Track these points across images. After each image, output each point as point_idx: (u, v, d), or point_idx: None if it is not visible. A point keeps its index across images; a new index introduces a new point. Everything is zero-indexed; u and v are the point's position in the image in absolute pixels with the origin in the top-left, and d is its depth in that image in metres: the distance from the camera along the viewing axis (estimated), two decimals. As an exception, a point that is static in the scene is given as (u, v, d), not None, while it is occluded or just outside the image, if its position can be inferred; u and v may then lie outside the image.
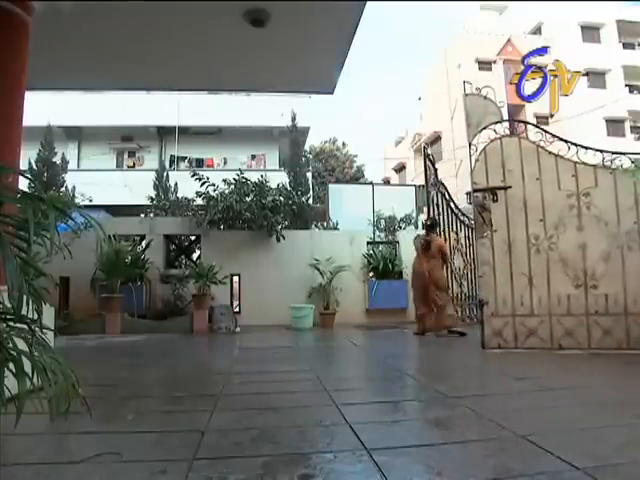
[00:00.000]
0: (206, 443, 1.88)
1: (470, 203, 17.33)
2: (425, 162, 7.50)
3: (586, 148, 4.23)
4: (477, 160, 4.46)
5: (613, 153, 4.23)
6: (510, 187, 4.32)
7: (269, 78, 5.84)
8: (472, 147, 4.50)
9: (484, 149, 4.45)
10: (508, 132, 4.51)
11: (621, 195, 4.11)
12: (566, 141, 4.25)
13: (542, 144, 4.32)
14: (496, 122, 4.48)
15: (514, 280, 4.24)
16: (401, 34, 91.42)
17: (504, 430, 2.00)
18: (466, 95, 4.64)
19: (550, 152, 4.32)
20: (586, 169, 4.23)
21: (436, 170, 7.61)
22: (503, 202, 4.34)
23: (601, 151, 4.22)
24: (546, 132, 4.36)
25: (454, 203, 7.92)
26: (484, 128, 4.47)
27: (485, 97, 4.57)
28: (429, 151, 7.77)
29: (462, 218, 7.89)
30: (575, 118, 14.80)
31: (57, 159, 14.58)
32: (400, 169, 31.57)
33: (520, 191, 4.31)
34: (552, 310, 4.16)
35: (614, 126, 23.29)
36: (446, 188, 7.81)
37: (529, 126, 4.60)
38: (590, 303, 4.09)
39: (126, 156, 19.31)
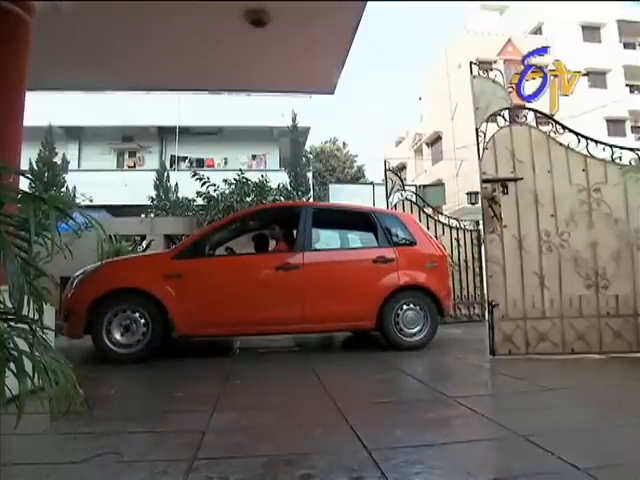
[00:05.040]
0: (207, 443, 1.88)
1: (471, 203, 17.15)
2: (385, 175, 7.88)
3: (596, 142, 4.14)
4: (485, 148, 4.19)
5: (622, 148, 4.16)
6: (521, 179, 4.11)
7: (269, 78, 5.85)
8: (480, 134, 4.21)
9: (493, 136, 4.20)
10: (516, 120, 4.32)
11: (630, 193, 4.05)
12: (577, 133, 4.14)
13: (551, 135, 4.18)
14: (506, 108, 4.27)
15: (525, 280, 4.03)
16: (402, 34, 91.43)
17: (504, 430, 2.00)
18: (473, 77, 4.32)
19: (561, 144, 4.17)
20: (596, 164, 4.12)
21: (402, 180, 8.17)
22: (513, 195, 4.12)
23: (611, 146, 4.14)
24: (557, 122, 4.21)
25: (432, 208, 8.18)
26: (493, 115, 4.23)
27: (494, 80, 4.32)
28: (389, 166, 8.13)
29: (444, 221, 7.97)
30: (575, 118, 14.80)
31: (58, 159, 14.58)
32: (400, 169, 31.65)
33: (531, 183, 4.11)
34: (564, 312, 3.98)
35: (615, 126, 23.25)
36: (418, 195, 8.22)
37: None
38: (601, 304, 3.97)
39: (127, 156, 19.30)
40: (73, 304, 4.09)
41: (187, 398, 2.80)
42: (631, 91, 24.47)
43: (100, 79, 5.79)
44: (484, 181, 4.16)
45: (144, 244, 8.01)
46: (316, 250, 4.82)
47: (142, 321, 4.04)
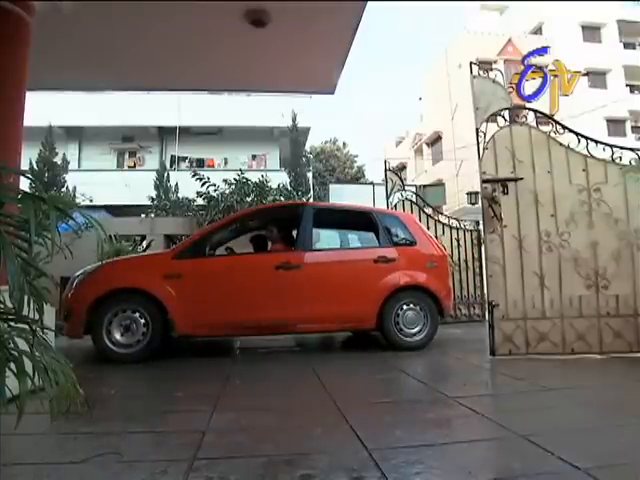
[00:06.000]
0: (207, 443, 1.88)
1: (471, 203, 17.11)
2: (385, 175, 7.91)
3: (596, 142, 4.14)
4: (486, 148, 4.19)
5: (622, 148, 4.16)
6: (522, 179, 4.11)
7: (269, 78, 5.85)
8: (480, 134, 4.21)
9: (493, 136, 4.20)
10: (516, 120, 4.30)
11: (630, 193, 4.05)
12: (577, 133, 4.14)
13: (551, 135, 4.19)
14: (506, 108, 4.27)
15: (525, 280, 4.03)
16: (402, 34, 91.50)
17: (504, 430, 2.00)
18: (473, 77, 4.31)
19: (561, 144, 4.18)
20: (596, 164, 4.12)
21: (403, 180, 8.20)
22: (513, 195, 4.13)
23: (611, 146, 4.14)
24: (557, 122, 4.22)
25: (432, 208, 8.15)
26: (493, 115, 4.23)
27: (494, 80, 4.33)
28: (389, 166, 8.16)
29: (444, 221, 7.96)
30: (575, 118, 14.79)
31: (58, 159, 14.59)
32: (401, 169, 31.64)
33: (531, 183, 4.12)
34: (564, 312, 3.99)
35: (615, 126, 23.25)
36: (418, 195, 8.23)
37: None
38: (601, 304, 3.98)
39: (127, 156, 19.30)
40: (73, 304, 4.09)
41: (187, 398, 2.80)
42: (631, 91, 24.46)
43: (100, 79, 5.79)
44: (484, 181, 4.16)
45: (144, 244, 8.01)
46: (317, 250, 4.82)
47: (142, 321, 4.04)
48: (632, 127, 24.19)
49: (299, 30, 4.65)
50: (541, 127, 4.32)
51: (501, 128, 4.24)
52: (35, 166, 13.51)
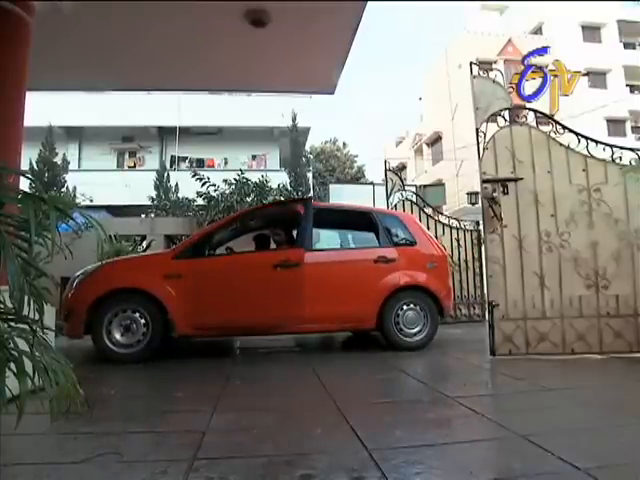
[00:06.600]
0: (207, 443, 1.88)
1: (471, 203, 17.04)
2: (386, 175, 7.91)
3: (596, 142, 4.14)
4: (486, 148, 4.20)
5: (622, 148, 4.16)
6: (522, 179, 4.12)
7: (270, 78, 5.85)
8: (480, 134, 4.21)
9: (493, 136, 4.20)
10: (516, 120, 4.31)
11: (630, 193, 4.05)
12: (577, 133, 4.14)
13: (552, 135, 4.19)
14: (506, 108, 4.28)
15: (525, 280, 4.03)
16: (402, 34, 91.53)
17: (505, 430, 2.00)
18: (473, 77, 4.32)
19: (561, 144, 4.18)
20: (596, 164, 4.12)
21: (403, 181, 8.22)
22: (513, 195, 4.13)
23: (611, 146, 4.14)
24: (557, 122, 4.22)
25: (432, 208, 8.15)
26: (493, 115, 4.23)
27: (494, 81, 4.33)
28: (390, 166, 8.16)
29: (444, 221, 7.95)
30: (575, 118, 14.79)
31: (58, 159, 14.59)
32: (401, 169, 31.64)
33: (531, 183, 4.13)
34: (564, 312, 3.99)
35: (615, 126, 23.25)
36: (418, 195, 8.24)
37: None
38: (601, 304, 3.98)
39: (127, 156, 19.31)
40: (73, 304, 4.09)
41: (187, 398, 2.80)
42: (631, 91, 24.47)
43: (100, 79, 5.79)
44: (484, 181, 4.16)
45: (144, 244, 8.01)
46: (317, 250, 4.82)
47: (142, 321, 4.04)
48: (632, 127, 24.18)
49: (299, 30, 4.65)
50: (541, 127, 4.32)
51: (501, 128, 4.24)
52: (35, 166, 13.51)
